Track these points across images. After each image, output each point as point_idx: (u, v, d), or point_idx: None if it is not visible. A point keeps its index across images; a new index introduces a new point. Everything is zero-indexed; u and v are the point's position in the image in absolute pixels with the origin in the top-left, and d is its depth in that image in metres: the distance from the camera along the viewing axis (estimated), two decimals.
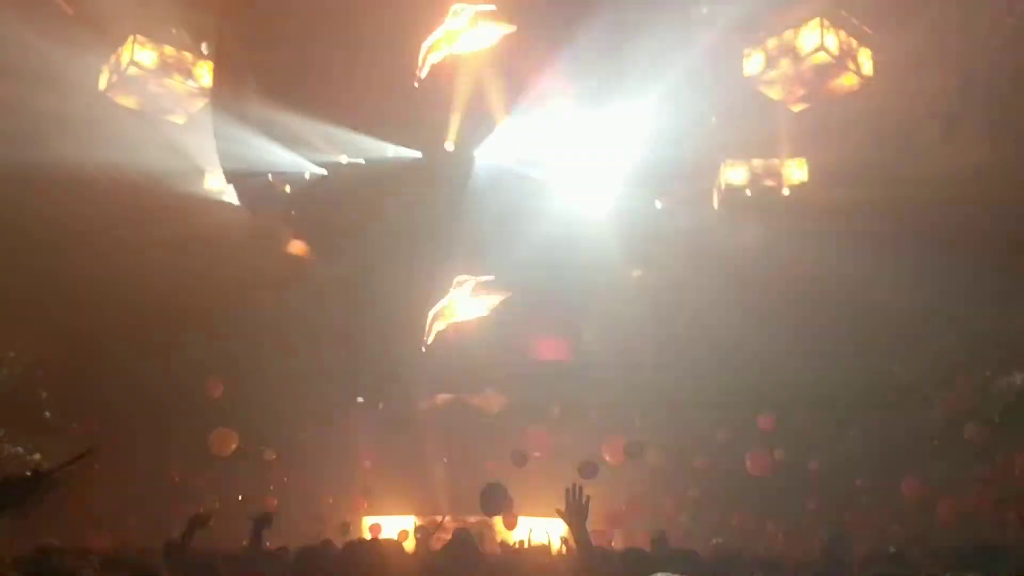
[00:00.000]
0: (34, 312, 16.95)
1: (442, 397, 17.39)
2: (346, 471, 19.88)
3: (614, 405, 18.70)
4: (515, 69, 15.29)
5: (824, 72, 15.43)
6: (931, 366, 17.99)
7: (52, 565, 4.06)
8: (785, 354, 18.40)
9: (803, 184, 18.28)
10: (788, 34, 15.30)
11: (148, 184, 17.44)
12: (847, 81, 15.62)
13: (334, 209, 17.66)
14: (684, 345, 18.65)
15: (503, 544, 13.10)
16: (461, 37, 15.35)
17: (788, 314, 18.26)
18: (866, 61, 15.55)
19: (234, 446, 15.73)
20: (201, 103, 16.30)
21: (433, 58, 15.50)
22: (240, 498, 18.71)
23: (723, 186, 18.55)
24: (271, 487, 19.27)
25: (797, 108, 16.51)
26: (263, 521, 4.88)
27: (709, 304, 17.83)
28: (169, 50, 15.91)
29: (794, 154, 18.33)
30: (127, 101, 16.31)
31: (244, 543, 5.65)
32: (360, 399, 17.23)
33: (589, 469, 13.57)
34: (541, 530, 12.29)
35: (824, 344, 17.92)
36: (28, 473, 3.40)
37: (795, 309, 18.10)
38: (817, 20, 15.05)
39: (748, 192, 18.49)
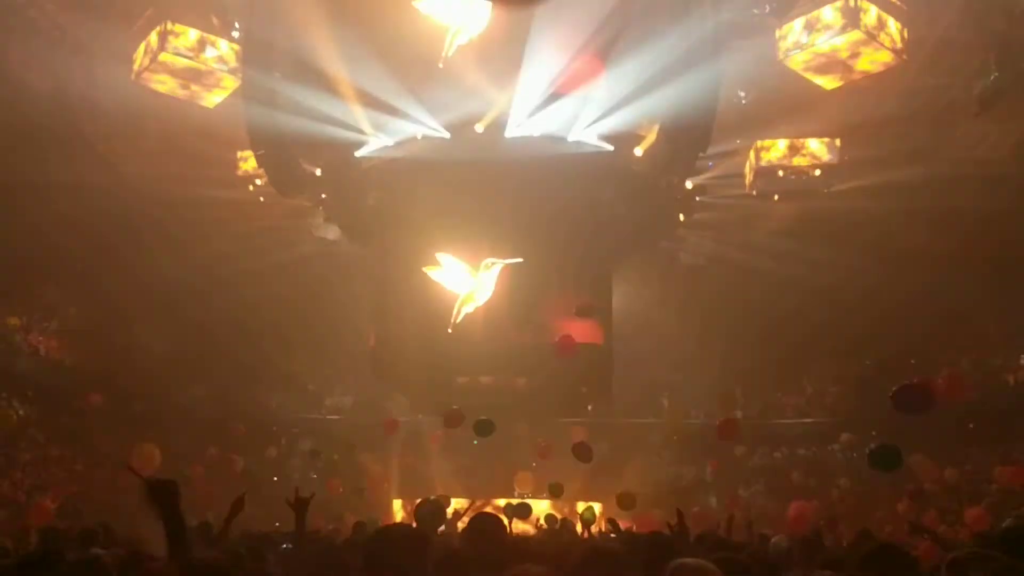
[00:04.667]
0: None
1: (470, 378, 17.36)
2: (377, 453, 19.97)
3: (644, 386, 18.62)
4: (544, 48, 15.17)
5: (857, 49, 15.14)
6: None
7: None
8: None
9: (835, 164, 18.06)
10: (820, 11, 15.03)
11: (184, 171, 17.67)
12: (881, 57, 15.33)
13: (364, 191, 17.69)
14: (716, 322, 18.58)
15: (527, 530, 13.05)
16: (489, 18, 15.27)
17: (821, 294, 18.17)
18: (900, 37, 15.23)
19: (157, 463, 14.72)
20: (232, 88, 16.36)
21: (461, 39, 15.44)
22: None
23: (756, 166, 18.36)
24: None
25: (830, 86, 16.24)
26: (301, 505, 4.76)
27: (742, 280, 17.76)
28: (201, 34, 15.99)
29: (827, 133, 18.09)
30: (159, 86, 16.43)
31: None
32: None
33: (584, 451, 13.53)
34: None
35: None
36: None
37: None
38: None
39: (781, 172, 18.30)
